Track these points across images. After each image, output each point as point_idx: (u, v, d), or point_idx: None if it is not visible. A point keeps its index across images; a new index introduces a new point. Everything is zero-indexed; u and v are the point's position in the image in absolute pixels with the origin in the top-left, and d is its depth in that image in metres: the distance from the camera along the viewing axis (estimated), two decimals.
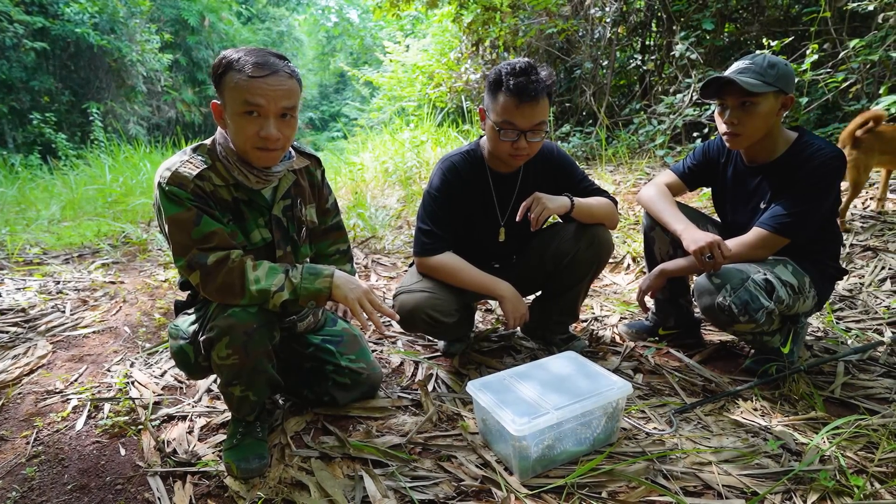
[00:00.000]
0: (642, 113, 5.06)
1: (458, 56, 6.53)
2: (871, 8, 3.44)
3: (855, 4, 3.54)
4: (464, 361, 1.87)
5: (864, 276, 2.28)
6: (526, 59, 1.52)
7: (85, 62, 10.46)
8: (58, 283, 2.78)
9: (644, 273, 2.33)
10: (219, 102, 1.24)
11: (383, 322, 2.06)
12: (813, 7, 3.89)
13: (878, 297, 2.11)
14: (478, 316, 2.25)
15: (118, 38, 10.65)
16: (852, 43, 3.54)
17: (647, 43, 5.64)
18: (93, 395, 1.72)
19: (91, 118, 8.94)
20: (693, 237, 1.57)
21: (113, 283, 2.81)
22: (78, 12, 9.83)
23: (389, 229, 3.73)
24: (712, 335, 2.02)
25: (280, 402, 1.64)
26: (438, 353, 1.95)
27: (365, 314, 1.30)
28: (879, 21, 3.45)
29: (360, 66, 13.15)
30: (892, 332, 1.86)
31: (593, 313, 2.27)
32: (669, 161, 4.31)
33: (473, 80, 6.18)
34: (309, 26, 20.71)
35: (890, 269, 2.27)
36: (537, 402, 1.28)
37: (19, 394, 1.74)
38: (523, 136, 1.52)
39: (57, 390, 1.76)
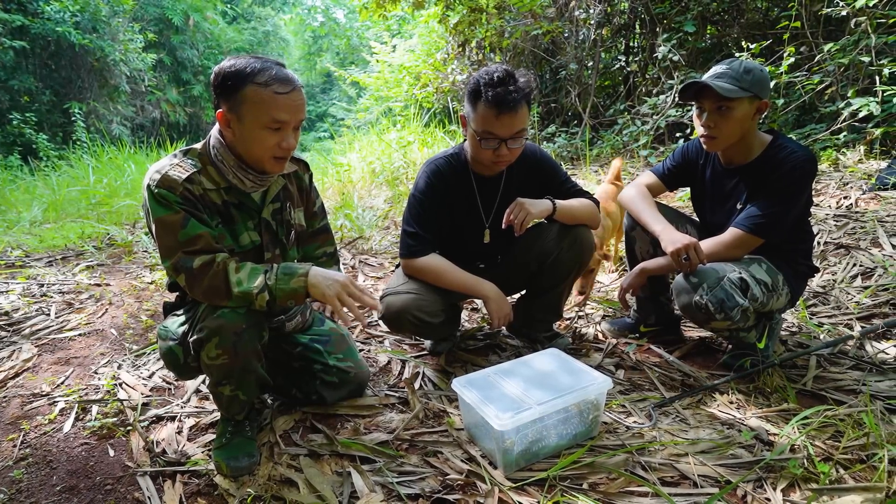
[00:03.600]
0: (626, 114, 5.15)
1: (445, 57, 6.57)
2: (843, 13, 3.54)
3: (829, 9, 3.64)
4: (450, 360, 1.90)
5: (836, 273, 2.36)
6: (504, 66, 1.54)
7: (66, 61, 10.29)
8: (42, 285, 2.75)
9: (626, 272, 2.39)
10: (224, 112, 1.25)
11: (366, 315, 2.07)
12: (791, 11, 4.00)
13: (849, 293, 2.19)
14: (464, 315, 2.29)
15: (100, 37, 10.49)
16: (827, 46, 3.65)
17: (631, 44, 5.73)
18: (80, 397, 1.72)
19: (73, 118, 8.81)
20: (671, 238, 1.62)
21: (98, 285, 2.80)
22: (58, 10, 9.66)
23: (377, 230, 3.75)
24: (692, 331, 2.08)
25: (269, 401, 1.66)
26: (425, 352, 1.98)
27: (346, 309, 1.27)
28: (852, 26, 3.56)
29: (346, 66, 13.12)
30: (862, 327, 1.93)
31: (577, 311, 2.32)
32: (653, 161, 4.39)
33: (460, 81, 6.22)
34: (295, 26, 20.59)
35: (861, 265, 2.36)
36: (521, 398, 1.32)
37: (4, 397, 1.74)
38: (504, 143, 1.56)
39: (43, 393, 1.76)
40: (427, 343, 1.99)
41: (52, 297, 2.61)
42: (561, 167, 1.86)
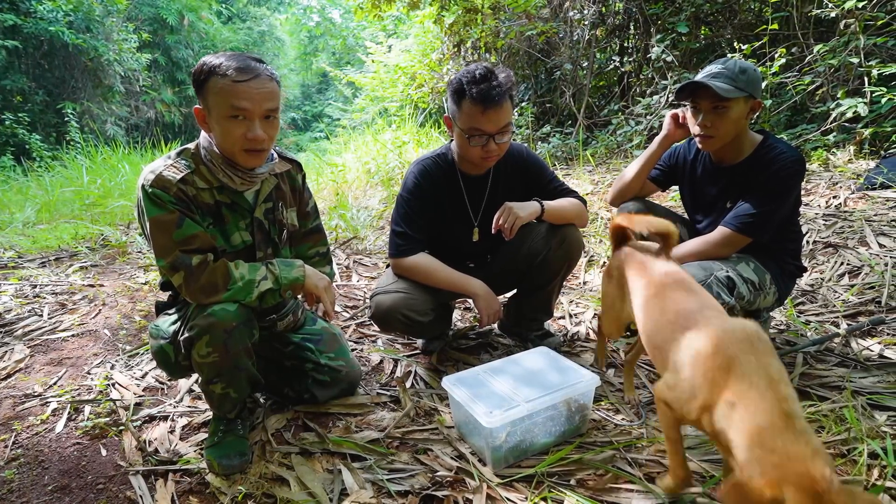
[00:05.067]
0: (620, 114, 5.17)
1: (440, 57, 6.58)
2: (833, 15, 3.57)
3: (819, 11, 3.68)
4: (442, 358, 1.92)
5: (824, 272, 2.39)
6: (484, 64, 1.58)
7: (59, 61, 10.24)
8: (34, 286, 2.75)
9: None
10: (201, 108, 1.28)
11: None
12: (782, 12, 4.03)
13: (836, 291, 2.22)
14: (457, 314, 2.31)
15: (94, 36, 10.45)
16: (817, 48, 3.68)
17: (626, 45, 5.75)
18: (73, 397, 1.73)
19: (66, 118, 8.77)
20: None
21: (92, 286, 2.80)
22: (51, 10, 9.62)
23: (371, 230, 3.76)
24: None
25: (261, 400, 1.67)
26: (417, 351, 1.99)
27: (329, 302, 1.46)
28: (841, 27, 3.59)
29: (342, 66, 13.11)
30: (848, 324, 1.96)
31: (569, 311, 2.33)
32: None
33: None
34: (291, 26, 20.52)
35: (848, 264, 2.39)
36: (510, 396, 1.33)
37: None
38: (492, 139, 1.58)
39: (35, 394, 1.77)
40: (419, 342, 2.00)
41: (45, 297, 2.60)
42: (548, 167, 1.88)
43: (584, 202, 1.82)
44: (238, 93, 1.22)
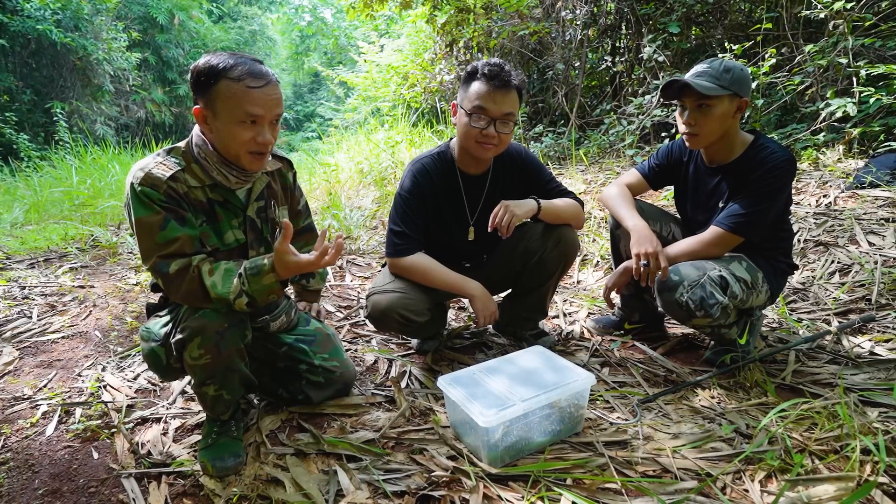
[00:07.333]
0: (612, 113, 5.19)
1: (433, 57, 6.58)
2: (822, 16, 3.61)
3: (808, 12, 3.72)
4: (437, 358, 1.91)
5: (815, 270, 2.41)
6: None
7: (47, 60, 10.12)
8: (23, 288, 2.72)
9: (611, 270, 2.42)
10: (202, 108, 1.25)
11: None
12: (772, 13, 4.07)
13: (827, 290, 2.24)
14: (451, 314, 2.30)
15: (83, 35, 10.34)
16: (806, 48, 3.72)
17: (617, 45, 5.78)
18: (63, 400, 1.71)
19: (55, 118, 8.66)
20: (638, 239, 1.66)
21: (82, 287, 2.76)
22: (39, 8, 9.50)
23: (364, 230, 3.75)
24: (675, 328, 2.11)
25: (255, 401, 1.65)
26: (412, 351, 1.99)
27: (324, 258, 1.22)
28: (830, 28, 3.63)
29: (334, 65, 13.07)
30: (839, 322, 1.98)
31: (563, 310, 2.34)
32: (639, 161, 4.44)
33: (448, 81, 6.23)
34: (282, 25, 20.43)
35: (839, 262, 2.41)
36: (505, 395, 1.33)
37: None
38: (493, 124, 1.58)
39: (25, 396, 1.74)
40: (414, 342, 2.00)
41: (34, 299, 2.57)
42: (546, 167, 1.88)
43: (582, 203, 1.82)
44: (253, 99, 1.21)
